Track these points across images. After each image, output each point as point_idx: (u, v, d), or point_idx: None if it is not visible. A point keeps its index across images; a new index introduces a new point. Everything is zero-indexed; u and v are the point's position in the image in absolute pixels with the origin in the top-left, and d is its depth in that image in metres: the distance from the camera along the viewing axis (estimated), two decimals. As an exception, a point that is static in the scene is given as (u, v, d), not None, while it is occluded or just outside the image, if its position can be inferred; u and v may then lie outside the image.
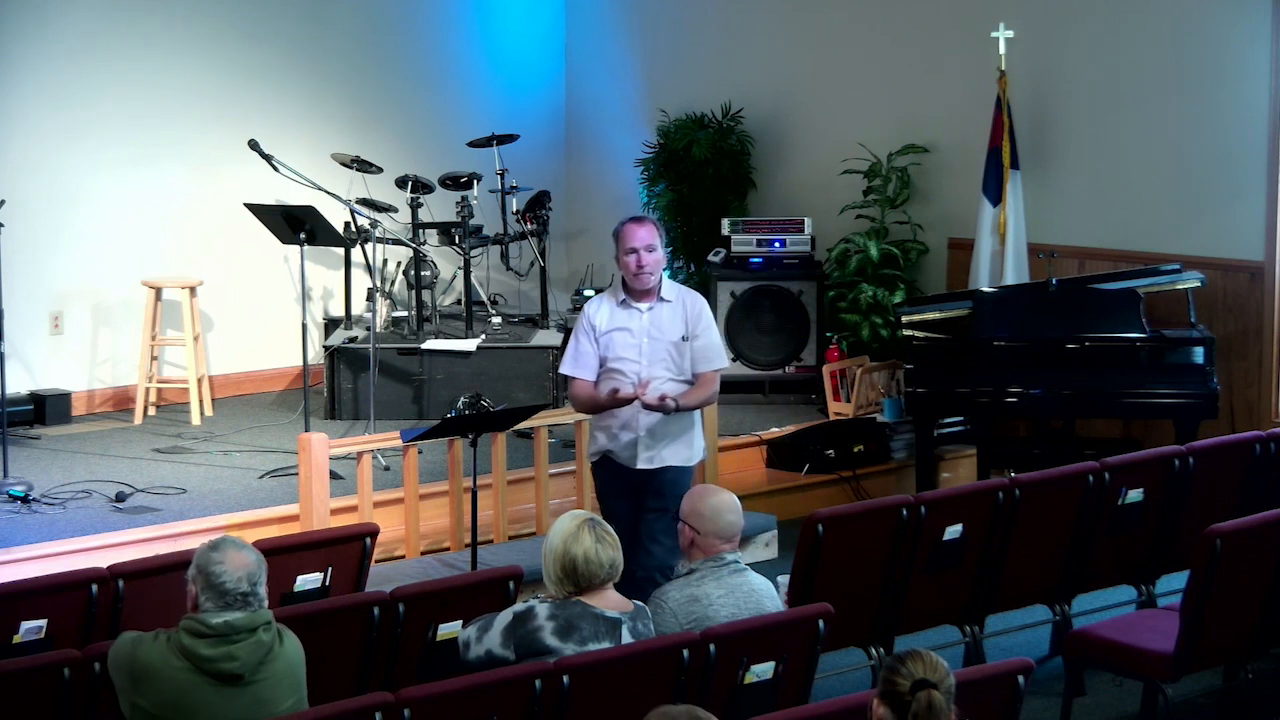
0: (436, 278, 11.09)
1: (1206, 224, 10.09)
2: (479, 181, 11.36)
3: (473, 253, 11.11)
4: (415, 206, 10.94)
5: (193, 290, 10.66)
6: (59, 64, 10.68)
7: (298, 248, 9.58)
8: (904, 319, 9.71)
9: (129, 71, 10.94)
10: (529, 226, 11.31)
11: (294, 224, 9.61)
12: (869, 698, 4.30)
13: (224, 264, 11.21)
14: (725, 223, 11.42)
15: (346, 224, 10.79)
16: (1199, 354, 9.20)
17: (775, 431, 10.36)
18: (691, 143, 11.78)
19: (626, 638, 5.32)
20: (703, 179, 11.80)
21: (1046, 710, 6.82)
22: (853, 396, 10.56)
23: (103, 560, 6.70)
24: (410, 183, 11.03)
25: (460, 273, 11.29)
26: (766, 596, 5.78)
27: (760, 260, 11.26)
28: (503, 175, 11.47)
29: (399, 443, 8.40)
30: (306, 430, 9.05)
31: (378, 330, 10.34)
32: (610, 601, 5.35)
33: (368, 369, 10.07)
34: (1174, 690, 6.40)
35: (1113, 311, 9.28)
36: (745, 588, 5.73)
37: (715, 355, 7.17)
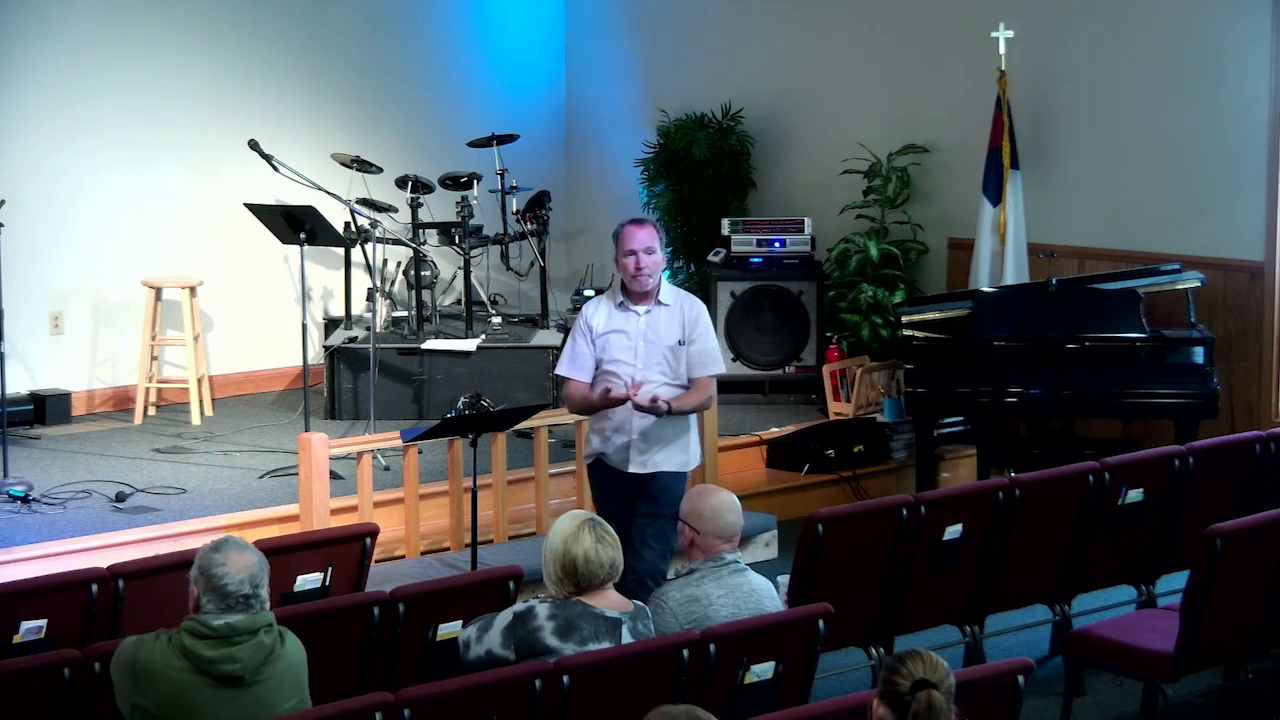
0: (436, 278, 11.09)
1: (1206, 224, 10.09)
2: (479, 181, 11.36)
3: (473, 253, 11.11)
4: (415, 206, 10.94)
5: (193, 290, 10.66)
6: (59, 64, 10.68)
7: (298, 248, 9.58)
8: (904, 319, 9.71)
9: (129, 71, 10.94)
10: (529, 226, 11.31)
11: (294, 224, 9.61)
12: (869, 698, 4.30)
13: (224, 264, 11.21)
14: (725, 223, 11.42)
15: (346, 224, 10.79)
16: (1199, 354, 9.20)
17: (775, 431, 10.36)
18: (691, 143, 11.78)
19: (626, 638, 5.32)
20: (703, 179, 11.80)
21: (1046, 710, 6.82)
22: (853, 396, 10.56)
23: (103, 560, 6.70)
24: (410, 183, 11.03)
25: (460, 273, 11.29)
26: (766, 596, 5.78)
27: (760, 260, 11.26)
28: (503, 175, 11.48)
29: (399, 443, 8.40)
30: (306, 430, 9.05)
31: (378, 330, 10.34)
32: (610, 601, 5.35)
33: (368, 369, 10.07)
34: (1174, 690, 6.40)
35: (1113, 311, 9.28)
36: (745, 588, 5.72)
37: (711, 361, 7.13)
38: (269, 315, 11.47)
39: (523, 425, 8.46)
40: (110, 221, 10.92)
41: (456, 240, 11.04)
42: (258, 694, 4.85)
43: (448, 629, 5.82)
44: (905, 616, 6.83)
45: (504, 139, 11.59)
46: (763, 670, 5.49)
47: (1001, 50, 10.26)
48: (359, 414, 10.45)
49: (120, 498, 8.94)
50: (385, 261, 11.19)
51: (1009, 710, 5.11)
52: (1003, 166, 10.25)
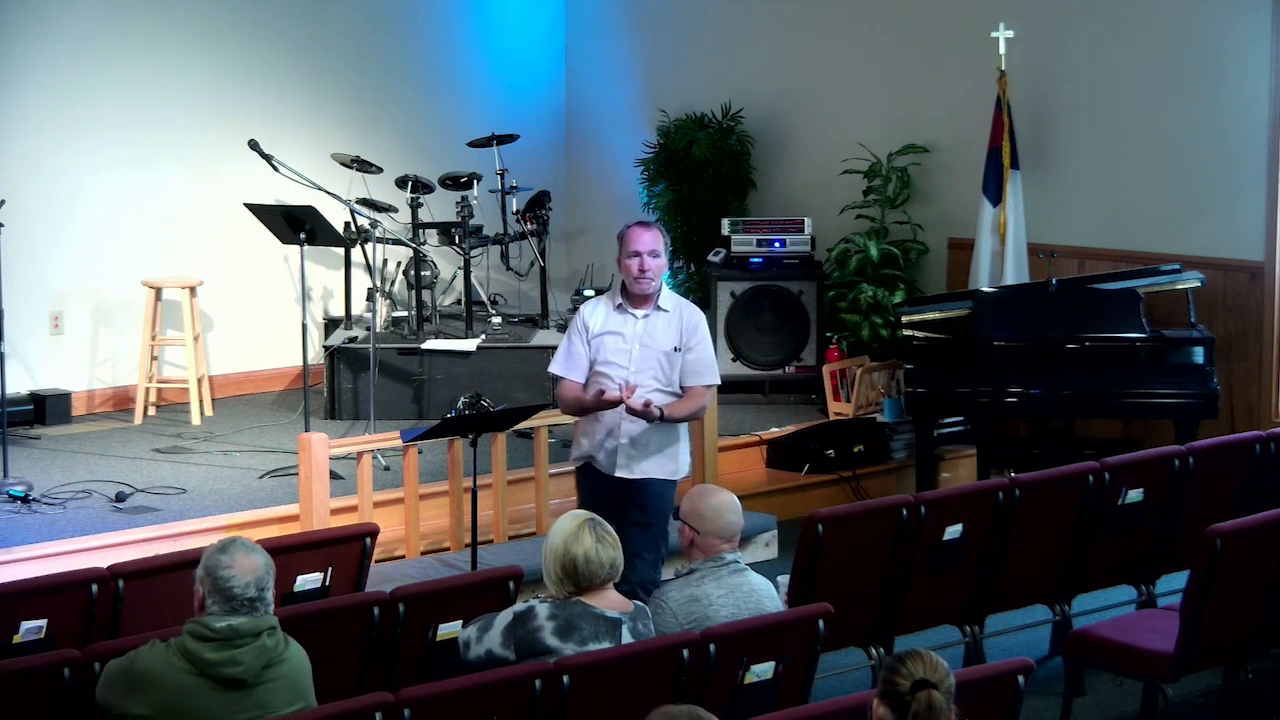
0: (436, 278, 11.09)
1: (1206, 224, 10.09)
2: (479, 181, 11.36)
3: (473, 253, 11.11)
4: (415, 206, 10.94)
5: (193, 290, 10.66)
6: (59, 64, 10.68)
7: (298, 248, 9.58)
8: (904, 319, 9.71)
9: (129, 71, 10.94)
10: (529, 226, 11.31)
11: (294, 224, 9.61)
12: (869, 698, 4.30)
13: (224, 264, 11.21)
14: (725, 223, 11.42)
15: (346, 224, 10.79)
16: (1199, 354, 9.20)
17: (775, 431, 10.36)
18: (691, 143, 11.79)
19: (626, 638, 5.32)
20: (703, 179, 11.80)
21: (1046, 710, 6.82)
22: (853, 396, 10.56)
23: (103, 560, 6.70)
24: (410, 183, 11.03)
25: (460, 273, 11.29)
26: (766, 596, 5.77)
27: (760, 260, 11.26)
28: (503, 175, 11.47)
29: (399, 443, 8.40)
30: (306, 430, 9.05)
31: (378, 330, 10.34)
32: (610, 601, 5.35)
33: (368, 369, 10.07)
34: (1174, 690, 6.40)
35: (1113, 311, 9.28)
36: (745, 588, 5.72)
37: (706, 371, 7.09)
38: (269, 315, 11.47)
39: (523, 425, 8.47)
40: (110, 221, 10.92)
41: (456, 240, 11.04)
42: (260, 697, 4.84)
43: (448, 629, 5.82)
44: (905, 616, 6.83)
45: (504, 139, 11.59)
46: (763, 670, 5.49)
47: (1001, 50, 10.26)
48: (359, 414, 10.45)
49: (120, 498, 8.94)
50: (385, 261, 11.19)
51: (1009, 710, 5.11)
52: (1003, 166, 10.25)
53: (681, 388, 7.03)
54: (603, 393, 6.92)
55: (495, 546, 8.56)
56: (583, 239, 12.79)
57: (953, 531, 6.75)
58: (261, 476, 9.45)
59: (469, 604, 5.85)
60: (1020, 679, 5.08)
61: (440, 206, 11.47)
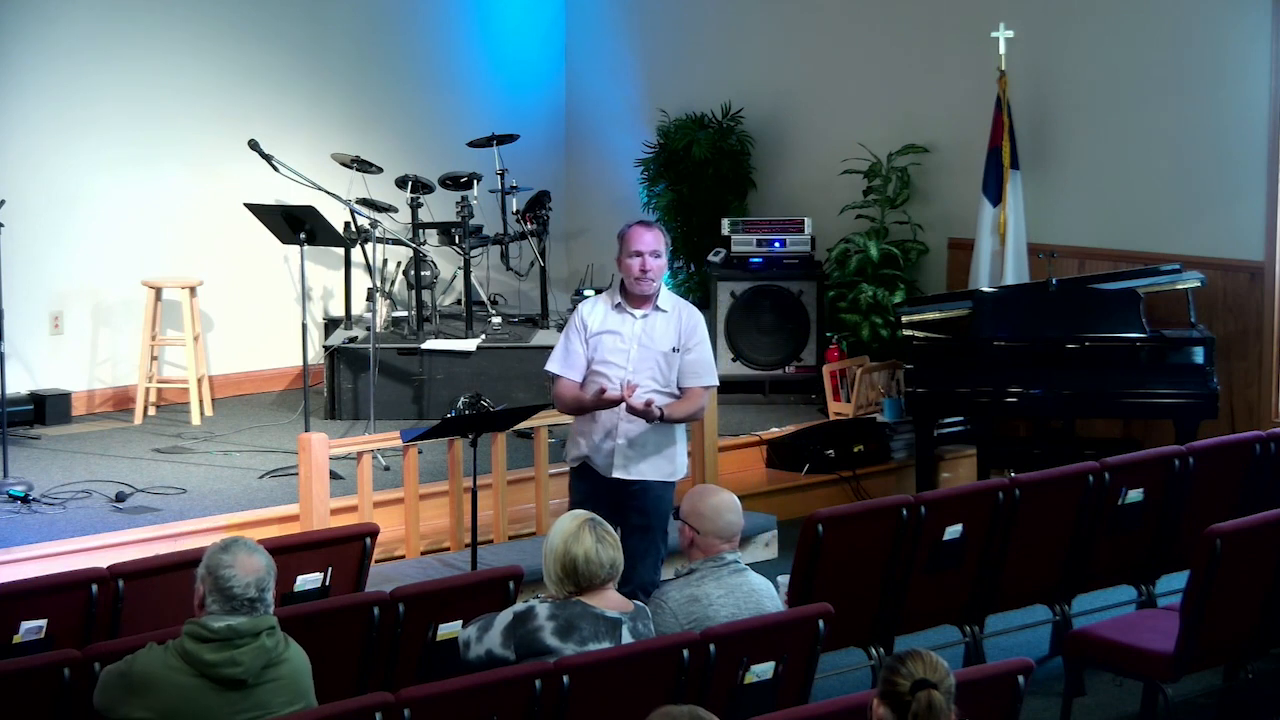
0: (436, 278, 11.09)
1: (1206, 224, 10.09)
2: (479, 181, 11.36)
3: (473, 253, 11.11)
4: (415, 206, 10.94)
5: (193, 290, 10.66)
6: (59, 64, 10.68)
7: (298, 248, 9.58)
8: (904, 319, 9.71)
9: (129, 71, 10.94)
10: (529, 226, 11.31)
11: (294, 224, 9.61)
12: (869, 698, 4.30)
13: (224, 264, 11.21)
14: (725, 223, 11.42)
15: (346, 224, 10.79)
16: (1199, 354, 9.20)
17: (775, 431, 10.36)
18: (691, 143, 11.79)
19: (626, 638, 5.32)
20: (703, 179, 11.80)
21: (1046, 710, 6.82)
22: (853, 396, 10.56)
23: (103, 560, 6.70)
24: (410, 183, 11.03)
25: (460, 273, 11.29)
26: (766, 596, 5.77)
27: (760, 260, 11.26)
28: (503, 175, 11.48)
29: (399, 443, 8.40)
30: (306, 430, 9.05)
31: (378, 330, 10.34)
32: (610, 601, 5.34)
33: (368, 369, 10.07)
34: (1174, 690, 6.40)
35: (1113, 311, 9.28)
36: (745, 588, 5.72)
37: (705, 372, 7.06)
38: (269, 315, 11.47)
39: (523, 425, 8.46)
40: (110, 221, 10.92)
41: (456, 240, 11.04)
42: (260, 697, 4.84)
43: (448, 629, 5.82)
44: (905, 616, 6.83)
45: (504, 139, 11.59)
46: (763, 670, 5.49)
47: (1001, 50, 10.26)
48: (359, 414, 10.45)
49: (120, 498, 8.94)
50: (385, 261, 11.19)
51: (1009, 710, 5.11)
52: (1003, 166, 10.25)
53: (680, 389, 7.01)
54: (603, 391, 6.88)
55: (495, 546, 8.56)
56: (583, 239, 12.80)
57: (953, 531, 6.75)
58: (261, 476, 9.45)
59: (469, 604, 5.85)
60: (1020, 679, 5.08)
61: (440, 206, 11.47)
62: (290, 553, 6.31)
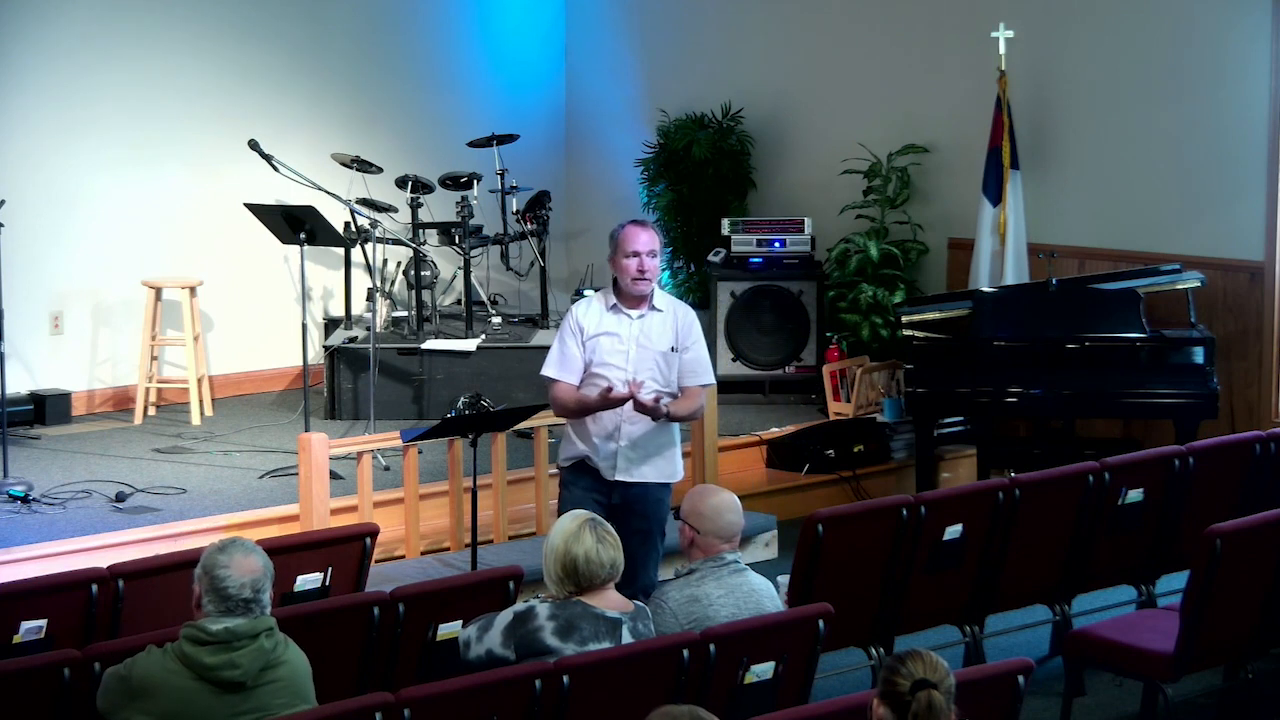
0: (436, 278, 11.09)
1: (1206, 224, 10.09)
2: (479, 181, 11.36)
3: (473, 253, 11.11)
4: (415, 206, 10.94)
5: (193, 290, 10.66)
6: (59, 64, 10.68)
7: (298, 248, 9.58)
8: (904, 319, 9.71)
9: (129, 71, 10.94)
10: (529, 226, 11.31)
11: (294, 224, 9.61)
12: (869, 698, 4.30)
13: (224, 264, 11.21)
14: (725, 223, 11.42)
15: (346, 224, 10.79)
16: (1199, 354, 9.20)
17: (775, 431, 10.36)
18: (691, 143, 11.79)
19: (627, 638, 5.32)
20: (703, 179, 11.80)
21: (1046, 710, 6.82)
22: (853, 396, 10.56)
23: (103, 560, 6.70)
24: (410, 183, 11.03)
25: (460, 273, 11.29)
26: (766, 596, 5.77)
27: (760, 260, 11.26)
28: (503, 175, 11.48)
29: (399, 443, 8.40)
30: (306, 430, 9.05)
31: (378, 330, 10.34)
32: (610, 601, 5.35)
33: (368, 369, 10.07)
34: (1174, 690, 6.40)
35: (1113, 311, 9.28)
36: (745, 588, 5.72)
37: (703, 370, 7.04)
38: (269, 315, 11.47)
39: (523, 425, 8.46)
40: (110, 221, 10.92)
41: (456, 240, 11.04)
42: (260, 699, 4.84)
43: (448, 629, 5.82)
44: (905, 616, 6.83)
45: (504, 139, 11.59)
46: (763, 670, 5.49)
47: (1001, 50, 10.26)
48: (359, 414, 10.45)
49: (120, 498, 8.94)
50: (385, 261, 11.19)
51: (1009, 710, 5.11)
52: (1003, 166, 10.25)
53: (679, 388, 6.99)
54: (609, 390, 6.82)
55: (495, 546, 8.56)
56: (583, 239, 12.79)
57: (953, 531, 6.75)
58: (261, 476, 9.45)
59: (469, 604, 5.85)
60: (1020, 679, 5.08)
61: (440, 206, 11.47)
62: (290, 553, 6.31)
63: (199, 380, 10.66)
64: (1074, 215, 10.56)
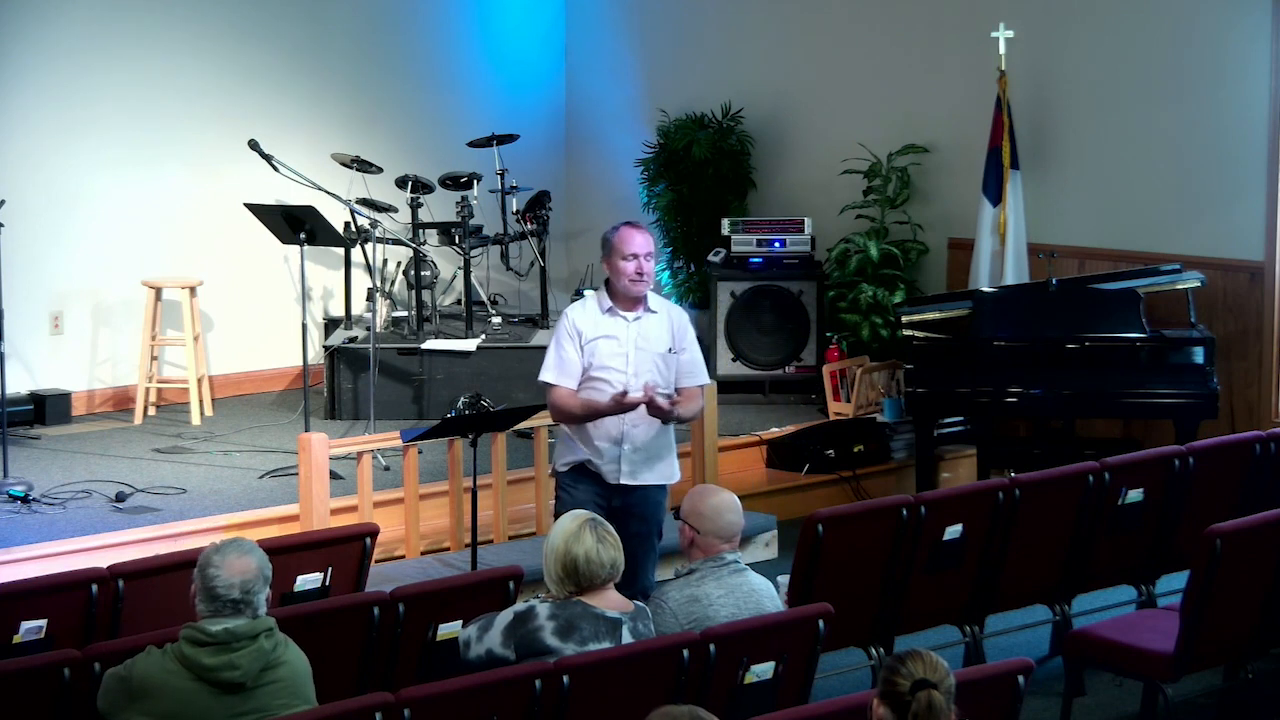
0: (436, 278, 11.09)
1: (1206, 224, 10.09)
2: (479, 181, 11.36)
3: (473, 253, 11.11)
4: (415, 206, 10.94)
5: (193, 290, 10.66)
6: (59, 64, 10.68)
7: (298, 248, 9.58)
8: (904, 319, 9.71)
9: (129, 71, 10.94)
10: (529, 226, 11.31)
11: (294, 224, 9.61)
12: (869, 698, 4.30)
13: (224, 264, 11.21)
14: (725, 223, 11.42)
15: (346, 224, 10.79)
16: (1199, 354, 9.20)
17: (775, 431, 10.36)
18: (691, 143, 11.79)
19: (627, 638, 5.32)
20: (703, 179, 11.80)
21: (1046, 710, 6.82)
22: (853, 396, 10.56)
23: (103, 560, 6.70)
24: (410, 183, 11.03)
25: (460, 273, 11.29)
26: (766, 596, 5.77)
27: (760, 260, 11.26)
28: (503, 175, 11.48)
29: (399, 443, 8.40)
30: (306, 430, 9.05)
31: (378, 330, 10.34)
32: (611, 601, 5.35)
33: (368, 369, 10.07)
34: (1174, 690, 6.40)
35: (1113, 311, 9.28)
36: (745, 588, 5.72)
37: (700, 371, 7.04)
38: (269, 315, 11.47)
39: (523, 425, 8.46)
40: (110, 221, 10.92)
41: (456, 240, 11.04)
42: (260, 700, 4.84)
43: (448, 629, 5.82)
44: (905, 616, 6.83)
45: (504, 139, 11.59)
46: (763, 670, 5.49)
47: (1001, 50, 10.26)
48: (359, 414, 10.45)
49: (120, 498, 8.94)
50: (385, 261, 11.19)
51: (1009, 710, 5.11)
52: (1003, 166, 10.25)
53: (677, 390, 6.97)
54: (624, 394, 6.75)
55: (495, 546, 8.56)
56: (583, 239, 12.79)
57: (953, 531, 6.75)
58: (261, 476, 9.45)
59: (469, 604, 5.85)
60: (1020, 679, 5.08)
61: (440, 206, 11.47)
62: (290, 553, 6.31)
63: (199, 380, 10.66)
64: (1074, 215, 10.56)
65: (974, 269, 10.37)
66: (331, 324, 11.38)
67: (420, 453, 8.61)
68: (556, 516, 5.84)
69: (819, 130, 11.69)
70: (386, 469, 9.26)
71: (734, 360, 11.16)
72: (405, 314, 11.09)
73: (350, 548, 6.49)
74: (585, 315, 6.92)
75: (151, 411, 10.73)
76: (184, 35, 11.14)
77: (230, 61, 11.33)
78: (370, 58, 12.02)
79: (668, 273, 12.02)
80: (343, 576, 6.40)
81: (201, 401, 10.69)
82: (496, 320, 11.21)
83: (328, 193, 10.06)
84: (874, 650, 6.76)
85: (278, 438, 10.22)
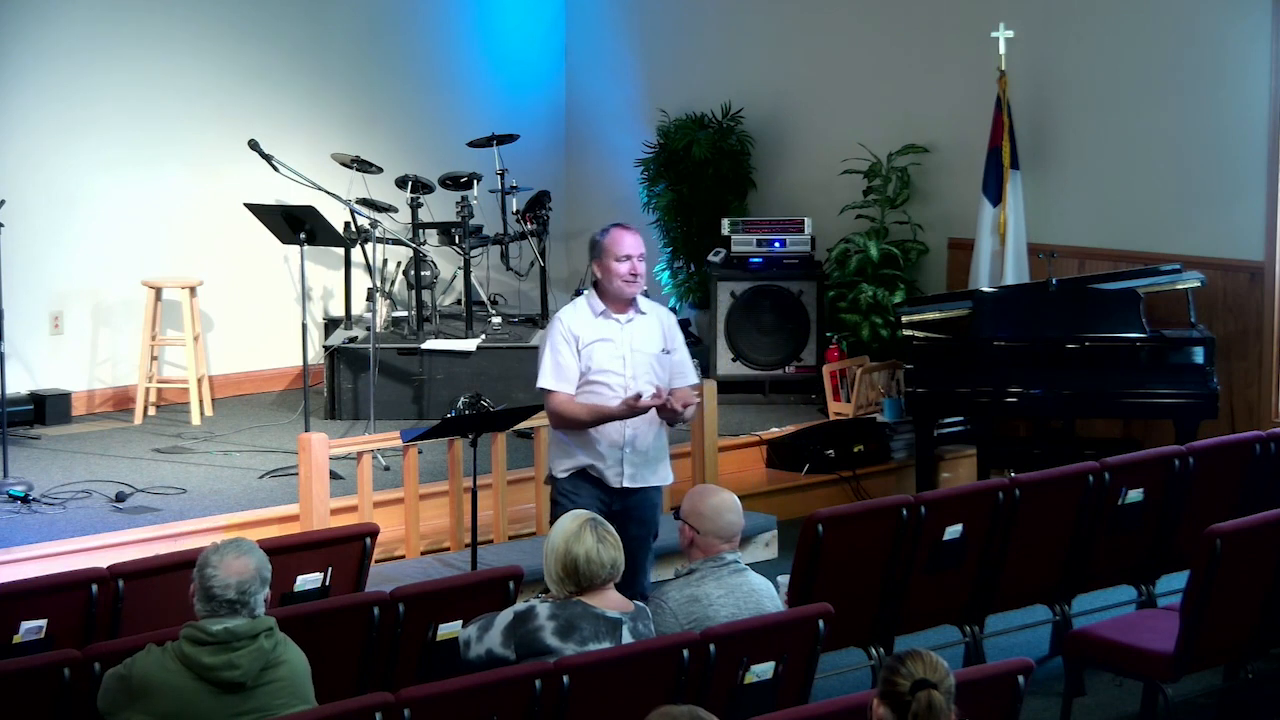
0: (436, 278, 11.09)
1: (1206, 224, 10.09)
2: (479, 181, 11.36)
3: (473, 253, 11.11)
4: (415, 206, 10.94)
5: (193, 290, 10.66)
6: (59, 64, 10.68)
7: (298, 248, 9.59)
8: (904, 319, 9.71)
9: (129, 71, 10.94)
10: (529, 226, 11.31)
11: (294, 224, 9.61)
12: (869, 698, 4.30)
13: (224, 264, 11.21)
14: (725, 223, 11.42)
15: (346, 224, 10.79)
16: (1199, 354, 9.20)
17: (775, 431, 10.36)
18: (691, 143, 11.78)
19: (627, 638, 5.32)
20: (703, 179, 11.80)
21: (1046, 710, 6.82)
22: (853, 396, 10.56)
23: (103, 560, 6.70)
24: (410, 183, 11.03)
25: (460, 273, 11.29)
26: (766, 596, 5.77)
27: (760, 260, 11.26)
28: (503, 175, 11.48)
29: (399, 443, 8.40)
30: (306, 430, 9.05)
31: (378, 330, 10.34)
32: (611, 601, 5.35)
33: (368, 369, 10.07)
34: (1174, 690, 6.40)
35: (1113, 311, 9.28)
36: (745, 588, 5.72)
37: (690, 371, 7.04)
38: (269, 315, 11.47)
39: (523, 425, 8.46)
40: (110, 221, 10.92)
41: (456, 240, 11.04)
42: (260, 700, 4.84)
43: (448, 629, 5.82)
44: (905, 616, 6.83)
45: (504, 139, 11.59)
46: (763, 670, 5.49)
47: (1001, 50, 10.26)
48: (359, 414, 10.45)
49: (120, 498, 8.94)
50: (385, 261, 11.19)
51: (1009, 710, 5.11)
52: (1003, 166, 10.25)
53: (669, 390, 6.94)
54: (638, 397, 6.70)
55: (495, 546, 8.57)
56: (583, 239, 12.72)
57: (953, 531, 6.75)
58: (261, 476, 9.45)
59: (469, 604, 5.85)
60: (1020, 679, 5.08)
61: (440, 206, 11.47)
62: (290, 553, 6.31)
63: (199, 380, 10.66)
64: (1074, 215, 10.56)
65: (974, 269, 10.37)
66: (331, 324, 11.38)
67: (420, 453, 8.61)
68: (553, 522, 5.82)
69: (819, 130, 11.69)
70: (386, 469, 9.26)
71: (734, 360, 11.16)
72: (405, 314, 11.09)
73: (350, 548, 6.49)
74: (579, 319, 6.88)
75: (151, 411, 10.73)
76: (184, 35, 11.14)
77: (230, 61, 11.33)
78: (370, 58, 12.02)
79: (667, 273, 12.02)
80: (343, 576, 6.40)
81: (201, 401, 10.69)
82: (496, 320, 11.21)
83: (328, 193, 10.06)
84: (874, 650, 6.76)
85: (278, 438, 10.22)
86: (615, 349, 6.86)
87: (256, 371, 11.51)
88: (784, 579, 6.48)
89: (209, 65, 11.24)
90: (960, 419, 10.17)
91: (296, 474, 8.48)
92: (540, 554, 5.40)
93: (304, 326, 9.55)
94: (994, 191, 10.28)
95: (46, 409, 10.51)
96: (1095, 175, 10.51)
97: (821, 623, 5.64)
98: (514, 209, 11.44)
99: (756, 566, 6.67)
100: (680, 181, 11.89)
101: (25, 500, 8.81)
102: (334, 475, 8.51)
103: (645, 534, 6.92)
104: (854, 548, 6.58)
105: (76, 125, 10.76)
